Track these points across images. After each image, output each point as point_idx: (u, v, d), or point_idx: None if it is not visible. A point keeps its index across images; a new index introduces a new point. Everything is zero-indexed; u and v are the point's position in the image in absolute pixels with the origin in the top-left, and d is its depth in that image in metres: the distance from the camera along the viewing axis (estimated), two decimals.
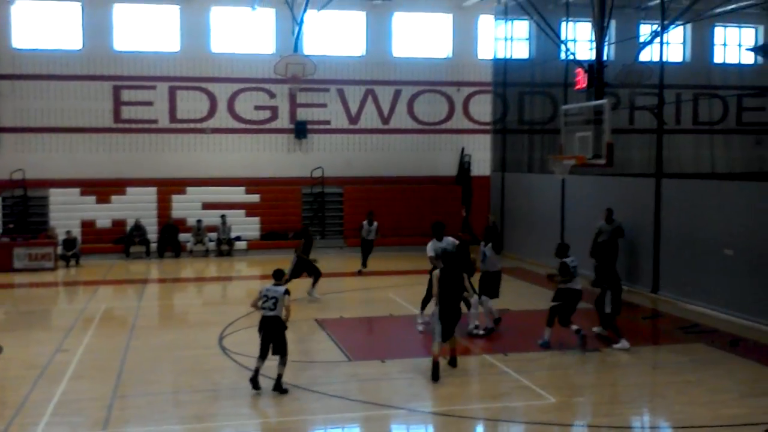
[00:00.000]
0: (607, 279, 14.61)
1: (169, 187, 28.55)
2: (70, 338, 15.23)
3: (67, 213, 27.26)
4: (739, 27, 32.68)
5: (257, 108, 29.77)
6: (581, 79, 20.26)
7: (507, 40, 28.70)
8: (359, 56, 30.58)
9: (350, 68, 30.27)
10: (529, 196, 26.18)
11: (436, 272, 12.74)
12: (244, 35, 29.71)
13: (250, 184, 29.32)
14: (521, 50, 29.23)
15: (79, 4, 28.22)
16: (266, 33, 29.75)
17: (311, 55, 27.45)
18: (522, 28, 28.98)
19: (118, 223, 27.63)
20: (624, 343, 14.21)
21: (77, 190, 27.87)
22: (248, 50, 29.64)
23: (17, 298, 21.22)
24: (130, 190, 28.25)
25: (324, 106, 30.23)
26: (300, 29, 26.03)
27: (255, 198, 29.20)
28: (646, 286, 19.54)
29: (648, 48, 25.04)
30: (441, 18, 31.16)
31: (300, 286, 18.81)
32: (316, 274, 19.05)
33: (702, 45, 32.38)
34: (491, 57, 29.46)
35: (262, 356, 11.71)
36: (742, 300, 16.38)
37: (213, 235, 27.54)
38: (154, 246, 27.08)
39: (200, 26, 29.18)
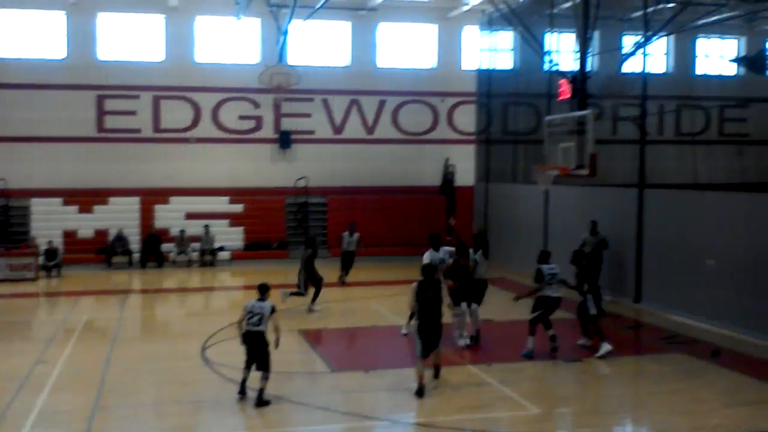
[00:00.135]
0: (589, 283, 14.77)
1: (152, 197, 28.42)
2: (50, 349, 15.10)
3: (49, 223, 27.08)
4: (722, 38, 32.95)
5: (241, 118, 29.72)
6: (565, 90, 20.31)
7: (491, 51, 28.84)
8: (344, 66, 30.61)
9: (335, 78, 30.28)
10: (513, 206, 26.24)
11: (414, 284, 12.38)
12: (228, 45, 29.69)
13: (234, 194, 29.24)
14: (505, 61, 29.34)
15: (63, 13, 28.11)
16: (251, 43, 29.73)
17: (296, 65, 27.56)
18: (506, 39, 29.08)
19: (101, 233, 27.46)
20: (606, 347, 14.34)
21: (59, 200, 27.69)
22: (233, 60, 29.62)
23: None
24: (112, 200, 28.10)
25: (308, 116, 30.22)
26: (285, 39, 26.09)
27: (238, 208, 29.10)
28: (629, 296, 19.61)
29: (631, 59, 25.18)
30: (426, 28, 31.26)
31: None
32: (317, 287, 18.98)
33: (684, 56, 32.61)
34: (475, 68, 29.60)
35: (248, 366, 11.67)
36: (724, 310, 16.46)
37: (196, 245, 27.42)
38: (136, 256, 26.93)
39: (185, 36, 29.12)
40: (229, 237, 28.45)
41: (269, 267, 26.04)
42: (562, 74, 20.91)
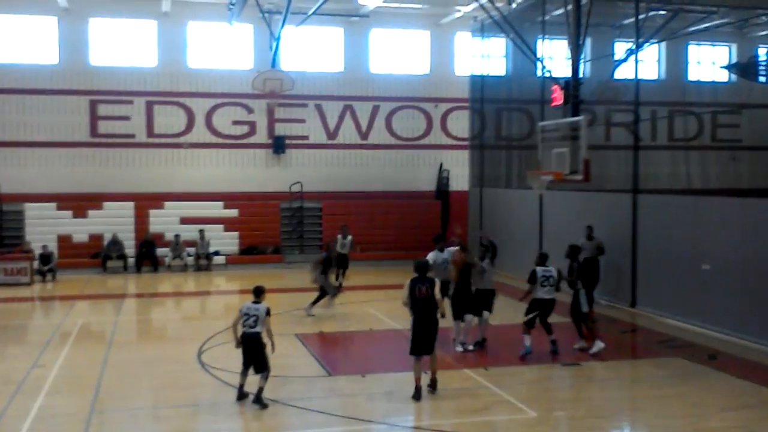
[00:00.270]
0: (585, 288, 14.85)
1: (146, 202, 28.41)
2: (46, 353, 15.06)
3: (44, 227, 27.03)
4: (713, 45, 33.10)
5: (235, 123, 29.75)
6: (558, 96, 20.35)
7: (484, 57, 28.90)
8: (337, 72, 30.66)
9: (328, 84, 30.33)
10: (508, 211, 26.29)
11: (407, 280, 12.33)
12: (221, 50, 29.71)
13: (229, 199, 29.22)
14: (498, 67, 29.40)
15: (55, 19, 28.10)
16: (244, 48, 29.76)
17: (289, 70, 27.57)
18: (499, 45, 29.14)
19: (95, 238, 27.44)
20: (599, 344, 14.48)
21: (53, 205, 27.65)
22: (226, 65, 29.65)
23: None
24: (107, 204, 28.08)
25: (302, 121, 30.27)
26: (278, 45, 26.10)
27: (233, 213, 29.10)
28: (624, 301, 19.67)
29: (623, 65, 25.28)
30: (418, 35, 31.35)
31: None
32: (323, 293, 18.99)
33: (677, 63, 32.73)
34: (468, 73, 29.66)
35: (245, 370, 11.66)
36: (720, 314, 16.51)
37: (191, 249, 27.41)
38: (131, 261, 26.90)
39: (177, 41, 29.14)
40: (225, 242, 28.46)
41: (264, 271, 26.06)
42: (555, 80, 20.98)
